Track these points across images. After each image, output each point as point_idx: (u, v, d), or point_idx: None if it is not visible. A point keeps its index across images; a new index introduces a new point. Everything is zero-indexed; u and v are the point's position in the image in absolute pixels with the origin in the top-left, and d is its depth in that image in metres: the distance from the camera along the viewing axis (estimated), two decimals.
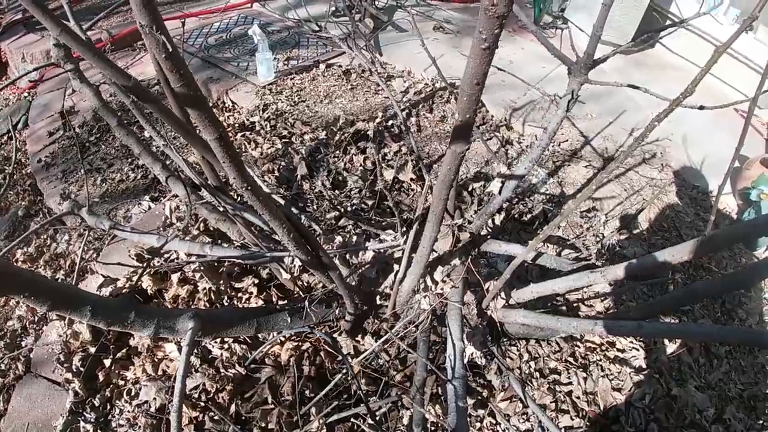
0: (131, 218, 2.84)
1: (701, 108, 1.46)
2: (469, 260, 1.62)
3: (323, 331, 1.87)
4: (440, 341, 1.69)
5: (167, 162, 2.11)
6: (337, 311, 1.84)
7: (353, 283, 1.84)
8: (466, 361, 1.55)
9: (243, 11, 4.35)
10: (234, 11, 4.35)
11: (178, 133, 1.22)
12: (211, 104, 3.31)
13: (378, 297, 1.83)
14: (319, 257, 1.47)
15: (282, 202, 2.09)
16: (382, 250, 1.77)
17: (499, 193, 1.77)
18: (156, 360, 2.18)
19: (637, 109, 4.22)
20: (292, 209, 2.08)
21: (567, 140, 3.41)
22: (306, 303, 1.59)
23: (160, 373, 2.14)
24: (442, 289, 1.58)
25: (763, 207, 3.42)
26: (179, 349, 2.18)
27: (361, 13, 3.98)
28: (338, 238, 1.87)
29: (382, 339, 1.54)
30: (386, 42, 3.87)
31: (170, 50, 0.81)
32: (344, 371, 1.67)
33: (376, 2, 4.10)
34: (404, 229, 1.68)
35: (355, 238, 1.92)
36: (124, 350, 2.19)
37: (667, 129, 4.06)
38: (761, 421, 2.40)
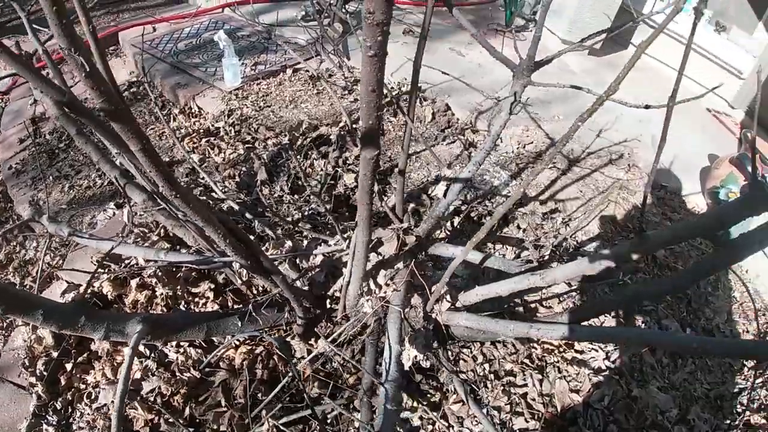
0: (96, 224, 2.85)
1: (647, 107, 1.48)
2: (412, 263, 1.64)
3: (274, 334, 1.89)
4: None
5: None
6: (288, 315, 1.85)
7: (304, 288, 1.86)
8: (410, 364, 1.57)
9: (214, 16, 4.37)
10: (205, 16, 4.36)
11: (113, 145, 1.24)
12: (178, 110, 3.32)
13: (329, 300, 1.85)
14: (260, 262, 1.49)
15: (236, 207, 2.11)
16: (330, 254, 1.79)
17: (444, 196, 1.79)
18: (115, 364, 2.20)
19: (606, 110, 4.23)
20: (247, 214, 2.09)
21: (532, 142, 3.45)
22: (250, 307, 1.60)
23: (119, 376, 2.15)
24: (385, 292, 1.60)
25: None
26: (137, 354, 2.20)
27: (330, 18, 4.01)
28: (288, 243, 1.89)
29: (328, 342, 1.55)
30: (355, 46, 3.89)
31: (89, 70, 0.83)
32: (291, 374, 1.69)
33: (346, 6, 4.12)
34: (349, 233, 1.70)
35: (305, 242, 1.94)
36: (85, 355, 2.21)
37: (636, 130, 4.10)
38: (728, 421, 2.41)
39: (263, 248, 1.96)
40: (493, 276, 2.44)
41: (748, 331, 3.02)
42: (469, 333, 1.80)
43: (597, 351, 2.34)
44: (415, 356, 1.54)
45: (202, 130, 2.96)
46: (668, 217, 3.56)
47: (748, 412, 2.51)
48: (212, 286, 2.21)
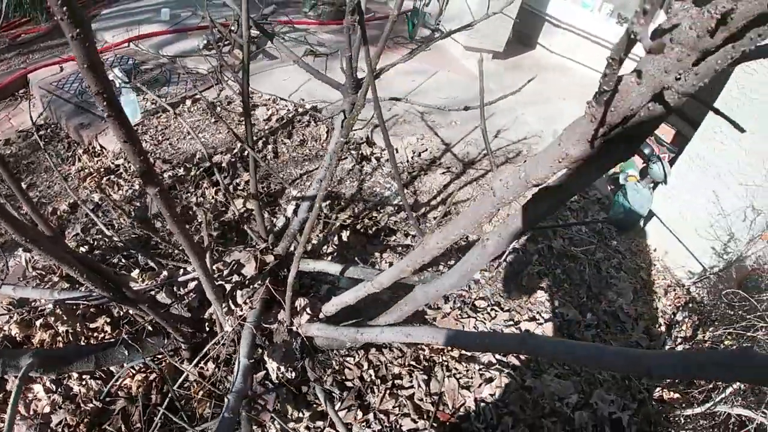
0: (9, 271, 2.94)
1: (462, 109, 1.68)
2: (267, 282, 1.82)
3: (160, 362, 2.05)
4: (257, 359, 1.89)
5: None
6: (174, 341, 2.01)
7: (185, 314, 2.02)
8: (275, 376, 1.75)
9: (120, 51, 4.46)
10: (111, 52, 4.45)
11: None
12: (82, 150, 3.43)
13: (207, 323, 2.02)
14: (124, 293, 1.65)
15: (120, 243, 2.26)
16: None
17: (295, 214, 1.98)
18: (27, 401, 2.32)
19: (507, 111, 4.44)
20: (132, 251, 2.25)
21: (426, 150, 3.65)
22: (123, 336, 1.76)
23: (30, 412, 2.28)
24: (243, 311, 1.78)
25: (628, 189, 3.67)
26: (45, 390, 2.32)
27: (230, 45, 4.16)
28: (164, 272, 2.05)
29: (193, 363, 1.73)
30: (255, 71, 4.06)
31: None
32: (180, 397, 1.85)
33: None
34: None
35: (181, 270, 2.10)
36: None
37: (537, 127, 4.32)
38: (640, 396, 2.48)
39: (141, 279, 2.13)
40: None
41: (657, 308, 3.19)
42: (329, 342, 1.98)
43: None
44: (278, 368, 1.72)
45: (103, 169, 3.08)
46: (561, 214, 3.72)
47: (659, 388, 2.61)
48: (108, 319, 2.36)
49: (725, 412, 2.15)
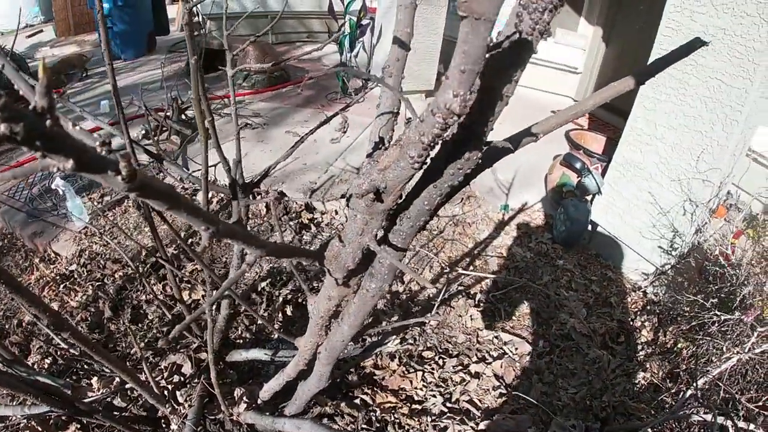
0: None
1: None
2: (202, 379, 2.09)
3: None
4: None
5: None
6: None
7: (140, 413, 2.28)
8: None
9: None
10: None
11: None
12: (39, 258, 3.67)
13: (163, 420, 2.28)
14: (77, 407, 1.91)
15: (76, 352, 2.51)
16: None
17: (218, 311, 2.25)
18: None
19: None
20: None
21: None
22: None
23: None
24: (183, 410, 2.04)
25: (567, 206, 3.81)
26: None
27: (167, 131, 4.44)
28: (117, 379, 2.31)
29: None
30: (194, 153, 4.33)
31: None
32: None
33: (183, 115, 4.56)
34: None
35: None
36: None
37: None
38: (602, 414, 2.56)
39: (98, 386, 2.38)
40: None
41: (614, 318, 3.27)
42: (264, 428, 2.22)
43: (435, 396, 2.58)
44: None
45: (58, 277, 3.32)
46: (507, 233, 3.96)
47: (625, 397, 2.67)
48: (79, 425, 2.60)
49: (689, 415, 2.23)
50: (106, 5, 6.83)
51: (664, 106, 3.25)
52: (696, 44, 1.00)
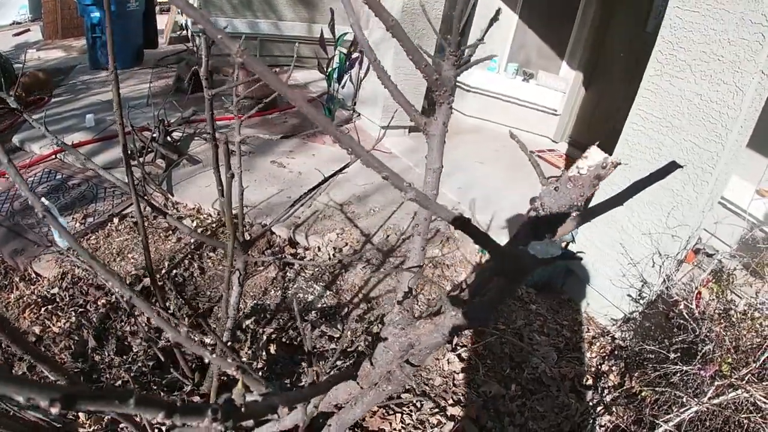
0: None
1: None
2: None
3: None
4: None
5: None
6: None
7: None
8: None
9: (47, 165, 4.69)
10: (38, 166, 4.67)
11: None
12: (19, 277, 3.65)
13: None
14: None
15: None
16: None
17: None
18: None
19: (422, 187, 4.77)
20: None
21: (347, 244, 3.96)
22: None
23: None
24: None
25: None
26: None
27: (153, 154, 4.45)
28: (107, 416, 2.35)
29: None
30: (178, 179, 4.36)
31: None
32: None
33: (169, 137, 4.58)
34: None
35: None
36: None
37: (454, 199, 4.52)
38: None
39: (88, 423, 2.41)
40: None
41: (583, 363, 3.38)
42: None
43: None
44: None
45: (39, 299, 3.32)
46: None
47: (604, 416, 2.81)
48: None
49: None
50: (95, 14, 6.81)
51: (639, 164, 3.43)
52: (671, 168, 1.09)
